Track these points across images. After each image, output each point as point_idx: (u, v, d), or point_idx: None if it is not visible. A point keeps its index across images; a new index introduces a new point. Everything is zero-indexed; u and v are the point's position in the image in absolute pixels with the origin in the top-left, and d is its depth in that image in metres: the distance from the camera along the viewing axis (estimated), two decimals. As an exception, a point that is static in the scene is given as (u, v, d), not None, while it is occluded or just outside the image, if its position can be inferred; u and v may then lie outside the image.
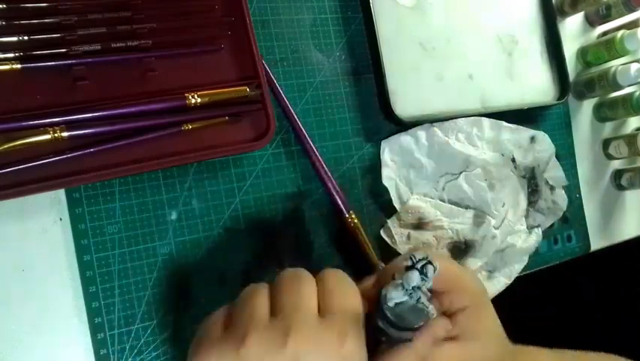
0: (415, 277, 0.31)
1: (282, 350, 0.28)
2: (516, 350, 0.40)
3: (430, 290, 0.32)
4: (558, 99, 0.58)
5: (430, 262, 0.32)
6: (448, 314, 0.37)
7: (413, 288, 0.32)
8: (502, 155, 0.53)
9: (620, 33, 0.57)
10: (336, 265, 0.46)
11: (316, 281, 0.33)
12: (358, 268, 0.47)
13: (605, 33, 0.63)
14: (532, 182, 0.55)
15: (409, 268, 0.32)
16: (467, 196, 0.50)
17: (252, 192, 0.44)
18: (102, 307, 0.38)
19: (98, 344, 0.38)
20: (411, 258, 0.32)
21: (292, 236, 0.45)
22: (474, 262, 0.50)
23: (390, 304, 0.31)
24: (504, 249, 0.52)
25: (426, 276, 0.32)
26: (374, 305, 0.33)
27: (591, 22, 0.63)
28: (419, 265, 0.32)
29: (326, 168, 0.46)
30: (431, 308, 0.32)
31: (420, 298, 0.32)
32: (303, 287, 0.32)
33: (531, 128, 0.55)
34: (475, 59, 0.55)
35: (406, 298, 0.32)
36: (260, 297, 0.32)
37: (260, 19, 0.46)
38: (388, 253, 0.48)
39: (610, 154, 0.62)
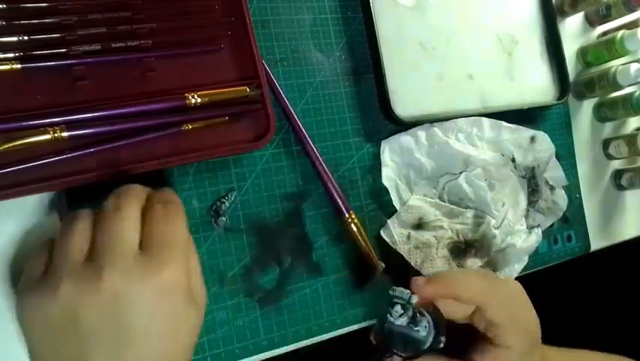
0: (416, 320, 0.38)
1: (99, 290, 0.28)
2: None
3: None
4: (558, 99, 0.58)
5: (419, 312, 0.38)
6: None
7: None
8: (502, 155, 0.53)
9: (620, 33, 0.57)
10: (336, 265, 0.46)
11: (143, 210, 0.32)
12: (358, 268, 0.47)
13: (605, 33, 0.63)
14: (532, 182, 0.55)
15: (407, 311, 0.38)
16: (467, 196, 0.50)
17: (251, 192, 0.44)
18: (102, 307, 0.38)
19: (98, 344, 0.38)
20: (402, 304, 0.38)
21: (292, 236, 0.45)
22: (474, 262, 0.50)
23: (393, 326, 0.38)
24: (504, 249, 0.52)
25: (422, 324, 0.38)
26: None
27: (591, 22, 0.63)
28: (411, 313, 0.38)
29: (326, 168, 0.46)
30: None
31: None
32: (123, 223, 0.31)
33: (531, 128, 0.55)
34: (475, 59, 0.55)
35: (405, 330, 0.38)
36: (76, 235, 0.31)
37: (260, 19, 0.46)
38: (388, 252, 0.48)
39: (610, 154, 0.62)
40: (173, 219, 0.32)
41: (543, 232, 0.55)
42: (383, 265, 0.46)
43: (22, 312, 0.31)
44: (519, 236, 0.53)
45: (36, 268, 0.31)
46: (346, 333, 0.46)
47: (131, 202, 0.32)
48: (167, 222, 0.32)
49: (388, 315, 0.38)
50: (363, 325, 0.47)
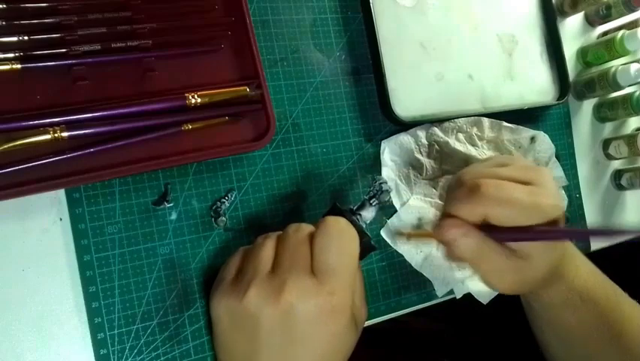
0: (380, 194, 0.41)
1: (278, 301, 0.34)
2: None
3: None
4: (558, 99, 0.58)
5: (383, 182, 0.41)
6: None
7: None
8: (502, 155, 0.53)
9: (620, 33, 0.57)
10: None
11: (314, 236, 0.36)
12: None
13: (605, 33, 0.63)
14: (532, 182, 0.55)
15: (374, 189, 0.41)
16: (467, 196, 0.50)
17: (251, 192, 0.44)
18: (102, 307, 0.38)
19: (98, 344, 0.38)
20: (373, 181, 0.41)
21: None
22: (474, 262, 0.50)
23: (364, 225, 0.40)
24: (504, 249, 0.51)
25: (388, 191, 0.41)
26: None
27: (591, 22, 0.63)
28: (377, 185, 0.41)
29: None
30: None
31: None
32: (300, 247, 0.36)
33: (531, 128, 0.55)
34: (475, 59, 0.55)
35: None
36: (266, 250, 0.37)
37: (260, 19, 0.46)
38: (388, 252, 0.48)
39: (610, 154, 0.62)
40: (344, 249, 0.36)
41: (543, 232, 0.55)
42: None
43: (214, 306, 0.37)
44: (519, 236, 0.53)
45: (229, 273, 0.38)
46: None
47: (305, 231, 0.37)
48: (338, 252, 0.36)
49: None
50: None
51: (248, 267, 0.37)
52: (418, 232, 0.47)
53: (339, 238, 0.36)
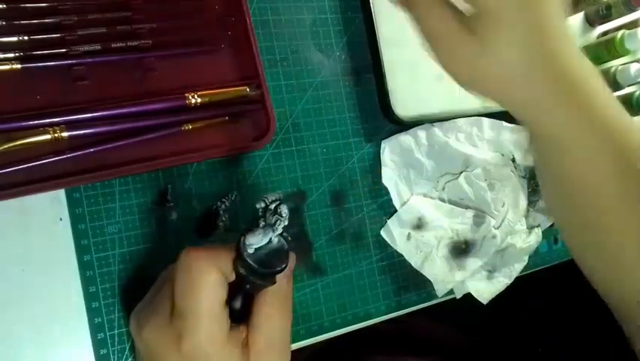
0: (272, 218, 0.32)
1: (139, 342, 0.33)
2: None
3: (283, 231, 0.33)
4: (558, 99, 0.58)
5: (282, 202, 0.33)
6: None
7: (272, 228, 0.32)
8: (502, 155, 0.53)
9: (620, 33, 0.57)
10: (336, 265, 0.46)
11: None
12: (358, 268, 0.47)
13: (605, 33, 0.63)
14: (532, 182, 0.55)
15: (264, 211, 0.33)
16: (467, 196, 0.50)
17: (251, 192, 0.44)
18: (102, 307, 0.38)
19: (98, 344, 0.38)
20: (264, 200, 0.33)
21: (292, 236, 0.45)
22: (474, 262, 0.50)
23: (250, 251, 0.32)
24: (504, 249, 0.52)
25: (281, 216, 0.32)
26: (235, 256, 0.32)
27: (591, 22, 0.62)
28: (272, 206, 0.33)
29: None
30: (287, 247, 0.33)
31: (277, 239, 0.33)
32: (162, 290, 0.33)
33: (531, 128, 0.55)
34: (475, 59, 0.55)
35: (264, 240, 0.32)
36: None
37: (260, 19, 0.46)
38: (388, 252, 0.48)
39: (610, 154, 0.62)
40: (195, 282, 0.31)
41: (543, 232, 0.55)
42: None
43: (139, 332, 0.33)
44: (519, 236, 0.53)
45: (164, 308, 0.32)
46: (351, 332, 0.46)
47: (165, 273, 0.35)
48: (188, 287, 0.31)
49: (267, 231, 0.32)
50: (362, 324, 0.47)
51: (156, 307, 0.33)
52: None
53: (191, 278, 0.31)
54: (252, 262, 0.31)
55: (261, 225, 0.33)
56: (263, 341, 0.32)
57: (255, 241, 0.32)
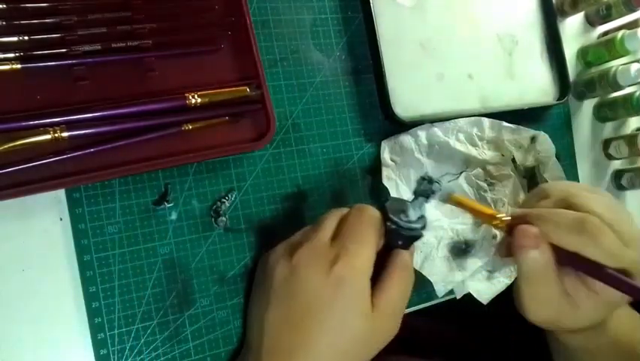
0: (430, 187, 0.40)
1: (289, 261, 0.37)
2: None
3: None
4: (558, 99, 0.58)
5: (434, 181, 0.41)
6: None
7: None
8: (503, 155, 0.53)
9: (620, 33, 0.57)
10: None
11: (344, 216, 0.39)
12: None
13: (605, 33, 0.63)
14: (532, 182, 0.55)
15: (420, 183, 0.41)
16: (467, 196, 0.50)
17: (251, 192, 0.44)
18: (102, 307, 0.38)
19: (98, 344, 0.38)
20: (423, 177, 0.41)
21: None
22: (474, 262, 0.50)
23: (404, 215, 0.39)
24: (504, 249, 0.51)
25: (433, 191, 0.40)
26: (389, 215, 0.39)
27: (591, 22, 0.63)
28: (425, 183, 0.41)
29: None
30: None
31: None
32: (327, 222, 0.39)
33: (531, 128, 0.55)
34: (475, 59, 0.55)
35: (418, 208, 0.40)
36: (328, 221, 0.39)
37: (260, 19, 0.46)
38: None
39: (610, 154, 0.62)
40: (363, 230, 0.38)
41: (543, 232, 0.55)
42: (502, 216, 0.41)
43: (289, 257, 0.38)
44: (519, 236, 0.53)
45: (293, 237, 0.40)
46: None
47: (336, 214, 0.40)
48: (356, 231, 0.38)
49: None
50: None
51: (309, 234, 0.39)
52: (475, 204, 0.43)
53: (362, 226, 0.38)
54: (406, 220, 0.39)
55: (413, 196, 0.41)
56: (386, 301, 0.37)
57: (413, 214, 0.39)
